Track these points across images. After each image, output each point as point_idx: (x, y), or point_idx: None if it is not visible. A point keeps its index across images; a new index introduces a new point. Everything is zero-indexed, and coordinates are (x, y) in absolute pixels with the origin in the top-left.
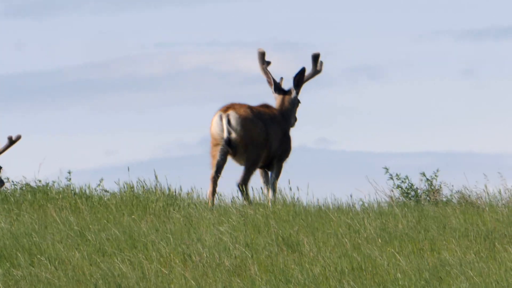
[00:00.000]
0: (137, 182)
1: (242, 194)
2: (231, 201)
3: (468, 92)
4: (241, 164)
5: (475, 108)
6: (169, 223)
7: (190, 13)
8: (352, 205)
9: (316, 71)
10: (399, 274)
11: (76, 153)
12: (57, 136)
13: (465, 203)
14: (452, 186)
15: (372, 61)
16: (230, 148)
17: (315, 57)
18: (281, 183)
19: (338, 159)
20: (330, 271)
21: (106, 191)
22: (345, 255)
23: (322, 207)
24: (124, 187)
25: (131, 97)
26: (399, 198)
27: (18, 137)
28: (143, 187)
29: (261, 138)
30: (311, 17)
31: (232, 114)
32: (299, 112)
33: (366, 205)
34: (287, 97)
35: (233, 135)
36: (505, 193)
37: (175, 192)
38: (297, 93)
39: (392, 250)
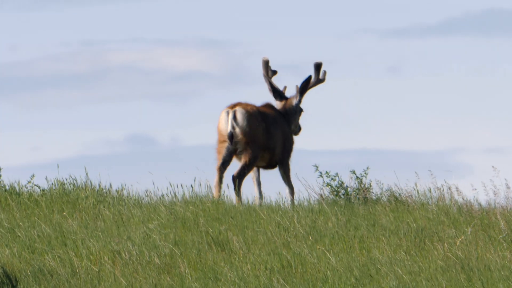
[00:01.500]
0: (67, 179)
1: (235, 188)
2: (160, 199)
3: (394, 90)
4: (239, 160)
5: (402, 105)
6: (99, 221)
7: (115, 10)
8: (282, 203)
9: (318, 80)
10: (329, 272)
11: (1, 150)
12: None
13: (395, 201)
14: (382, 184)
15: (297, 60)
16: (231, 143)
17: (318, 66)
18: (211, 180)
19: None
20: (259, 269)
21: (38, 186)
22: (274, 253)
23: (252, 205)
24: (54, 184)
25: (56, 94)
26: (329, 196)
27: None
28: (73, 184)
29: (263, 138)
30: (236, 15)
31: (239, 110)
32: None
33: (296, 203)
34: (288, 103)
35: (237, 130)
36: (435, 191)
37: (105, 189)
38: (299, 101)
39: (322, 248)
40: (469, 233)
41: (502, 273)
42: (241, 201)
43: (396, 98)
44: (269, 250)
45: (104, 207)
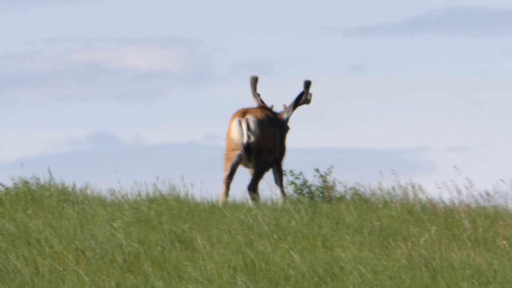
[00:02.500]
0: (31, 178)
1: (252, 198)
2: (124, 197)
3: (358, 88)
4: (249, 167)
5: (366, 104)
6: (63, 219)
7: (79, 9)
8: (246, 201)
9: (305, 100)
10: (292, 271)
11: None
12: None
13: (359, 199)
14: (346, 182)
15: (261, 57)
16: (246, 153)
17: (307, 84)
18: (175, 179)
19: None
20: (223, 267)
21: (2, 185)
22: (238, 251)
23: (216, 203)
24: (18, 182)
25: (19, 93)
26: (293, 195)
27: None
28: (37, 183)
29: (271, 142)
30: (200, 13)
31: (251, 119)
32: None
33: (260, 201)
34: (279, 116)
35: (252, 139)
36: (399, 189)
37: (69, 188)
38: (288, 117)
39: (286, 246)
40: (433, 231)
41: (466, 271)
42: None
43: (360, 96)
44: (232, 249)
45: (68, 205)
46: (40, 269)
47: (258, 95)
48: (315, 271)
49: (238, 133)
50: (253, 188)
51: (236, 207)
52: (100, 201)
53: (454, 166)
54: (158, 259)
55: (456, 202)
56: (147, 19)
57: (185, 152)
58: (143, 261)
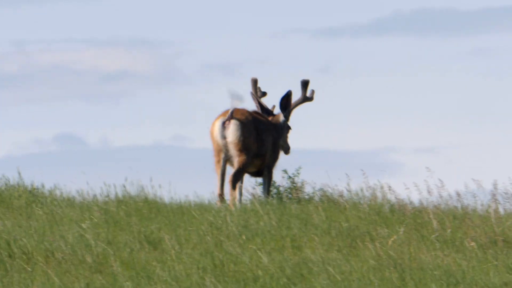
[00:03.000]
0: (0, 178)
1: (231, 189)
2: (93, 198)
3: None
4: (232, 166)
5: (333, 105)
6: (32, 220)
7: (46, 11)
8: (214, 202)
9: (305, 98)
10: (260, 272)
11: None
12: None
13: (327, 200)
14: (315, 183)
15: (228, 58)
16: (225, 152)
17: (305, 84)
18: (143, 180)
19: (199, 156)
20: (192, 268)
21: None
22: (207, 252)
23: (184, 204)
24: None
25: None
26: (261, 195)
27: None
28: (6, 183)
29: (255, 146)
30: (167, 14)
31: (233, 121)
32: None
33: (228, 202)
34: (275, 118)
35: (228, 139)
36: (367, 190)
37: (38, 189)
38: (285, 117)
39: (254, 247)
40: (401, 232)
41: (435, 272)
42: (235, 204)
43: (328, 98)
44: (201, 250)
45: (36, 206)
46: (9, 270)
47: (263, 94)
48: (284, 272)
49: (219, 134)
50: (231, 183)
51: (204, 208)
52: (69, 202)
53: (427, 167)
54: (127, 260)
55: (425, 202)
56: (113, 20)
57: (152, 153)
58: (112, 261)
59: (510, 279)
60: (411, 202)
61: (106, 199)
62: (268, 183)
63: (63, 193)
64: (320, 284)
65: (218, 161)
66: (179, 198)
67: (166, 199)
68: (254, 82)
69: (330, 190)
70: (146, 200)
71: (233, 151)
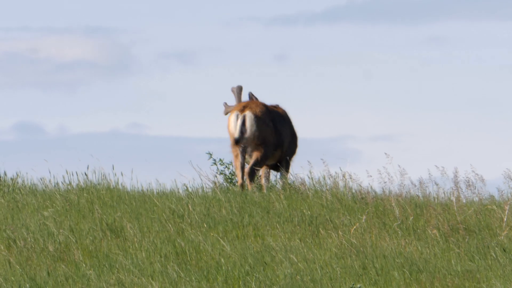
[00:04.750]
0: None
1: (249, 182)
2: (55, 186)
3: (281, 77)
4: (250, 159)
5: (289, 93)
6: None
7: None
8: (177, 190)
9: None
10: (223, 260)
11: None
12: None
13: (289, 188)
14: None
15: (183, 47)
16: (240, 146)
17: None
18: (106, 168)
19: (157, 144)
20: (154, 256)
21: None
22: (169, 240)
23: (146, 192)
24: None
25: None
26: (223, 184)
27: None
28: None
29: (273, 138)
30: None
31: (248, 115)
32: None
33: (190, 190)
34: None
35: (246, 135)
36: (329, 179)
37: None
38: None
39: (216, 235)
40: (363, 220)
41: (397, 260)
42: (253, 189)
43: (284, 85)
44: (163, 238)
45: None
46: None
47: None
48: (246, 260)
49: (234, 127)
50: (248, 176)
51: (166, 196)
52: (31, 190)
53: (386, 154)
54: (89, 248)
55: (387, 191)
56: (68, 8)
57: (109, 140)
58: (74, 250)
59: (472, 267)
60: (373, 191)
61: (69, 187)
62: (286, 173)
63: (25, 182)
64: (283, 272)
65: (236, 156)
66: (141, 185)
67: (129, 187)
68: (239, 89)
69: (292, 178)
70: (108, 188)
71: (252, 145)
